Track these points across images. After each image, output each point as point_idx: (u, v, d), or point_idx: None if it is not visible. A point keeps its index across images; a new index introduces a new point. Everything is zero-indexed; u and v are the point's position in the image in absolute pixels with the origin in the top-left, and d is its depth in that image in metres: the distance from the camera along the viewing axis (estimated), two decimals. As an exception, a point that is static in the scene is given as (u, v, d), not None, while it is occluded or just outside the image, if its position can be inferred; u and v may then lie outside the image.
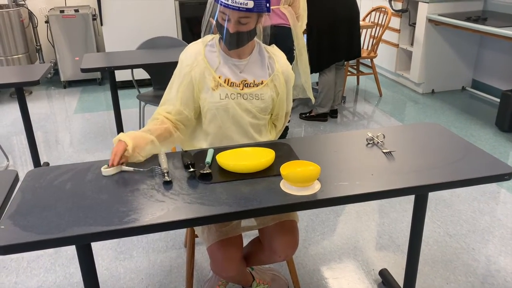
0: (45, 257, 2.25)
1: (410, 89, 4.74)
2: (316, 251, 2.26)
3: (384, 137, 1.65)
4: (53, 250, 2.29)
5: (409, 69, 4.69)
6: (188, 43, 1.78)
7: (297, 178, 1.28)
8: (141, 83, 4.24)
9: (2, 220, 1.18)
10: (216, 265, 1.60)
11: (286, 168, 1.34)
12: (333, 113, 3.99)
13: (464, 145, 1.59)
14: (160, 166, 1.44)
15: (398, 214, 2.57)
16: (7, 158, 3.30)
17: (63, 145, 3.52)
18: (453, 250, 2.26)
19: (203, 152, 1.55)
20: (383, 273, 2.07)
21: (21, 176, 2.62)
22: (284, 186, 1.33)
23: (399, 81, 4.95)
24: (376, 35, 4.47)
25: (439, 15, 4.11)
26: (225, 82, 1.64)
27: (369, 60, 4.63)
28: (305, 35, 3.64)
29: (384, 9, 4.47)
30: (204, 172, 1.39)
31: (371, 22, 4.55)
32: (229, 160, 1.42)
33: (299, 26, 3.11)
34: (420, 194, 1.70)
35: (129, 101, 4.46)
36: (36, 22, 4.94)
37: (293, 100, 3.79)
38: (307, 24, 3.43)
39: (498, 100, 3.81)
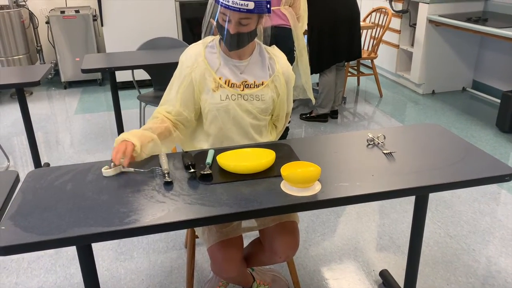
0: (46, 257, 2.25)
1: (410, 89, 4.74)
2: (317, 252, 2.26)
3: (384, 138, 1.65)
4: (54, 250, 2.29)
5: (410, 69, 4.69)
6: (189, 43, 1.78)
7: (298, 179, 1.28)
8: (142, 84, 4.24)
9: (3, 220, 1.18)
10: (216, 266, 1.60)
11: (286, 169, 1.34)
12: (334, 114, 3.99)
13: (465, 146, 1.59)
14: (160, 166, 1.44)
15: (398, 215, 2.56)
16: (8, 158, 3.30)
17: (63, 146, 3.52)
18: (454, 251, 2.25)
19: (203, 153, 1.55)
20: (384, 274, 2.07)
21: (22, 177, 2.62)
22: (285, 187, 1.33)
23: (400, 82, 4.95)
24: (376, 35, 4.47)
25: (440, 15, 4.11)
26: (225, 83, 1.64)
27: (369, 60, 4.63)
28: (306, 35, 3.65)
29: (384, 10, 4.47)
30: (205, 173, 1.39)
31: (372, 23, 4.55)
32: (230, 161, 1.42)
33: (299, 27, 3.11)
34: (421, 195, 1.70)
35: (129, 102, 4.46)
36: (37, 22, 4.95)
37: (294, 100, 3.79)
38: (308, 25, 3.44)
39: (499, 101, 3.81)
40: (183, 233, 2.41)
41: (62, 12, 4.65)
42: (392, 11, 4.45)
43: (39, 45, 5.03)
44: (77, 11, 4.66)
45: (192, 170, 1.39)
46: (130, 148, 1.41)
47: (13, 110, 4.28)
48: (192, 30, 4.87)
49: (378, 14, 4.58)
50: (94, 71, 2.92)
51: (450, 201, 2.70)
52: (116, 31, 4.57)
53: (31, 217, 1.19)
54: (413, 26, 4.61)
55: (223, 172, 1.41)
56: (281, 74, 1.70)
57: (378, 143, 1.61)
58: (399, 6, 4.63)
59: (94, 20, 4.74)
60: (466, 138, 3.53)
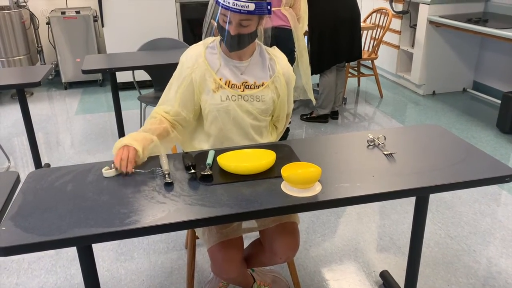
0: (46, 258, 2.25)
1: (411, 90, 4.74)
2: (317, 253, 2.26)
3: (385, 138, 1.65)
4: (54, 251, 2.29)
5: (410, 70, 4.69)
6: (189, 44, 1.78)
7: (298, 180, 1.28)
8: (142, 85, 4.24)
9: (3, 221, 1.18)
10: (216, 267, 1.60)
11: (287, 170, 1.34)
12: (334, 115, 3.98)
13: (465, 147, 1.58)
14: (161, 167, 1.44)
15: (399, 216, 2.56)
16: (8, 159, 3.30)
17: (64, 147, 3.52)
18: (454, 252, 2.25)
19: (204, 154, 1.55)
20: (384, 275, 2.07)
21: (22, 178, 2.62)
22: (285, 187, 1.33)
23: (400, 83, 4.95)
24: (377, 36, 4.47)
25: (440, 16, 4.11)
26: (225, 84, 1.64)
27: (370, 61, 4.63)
28: (306, 36, 3.65)
29: (385, 11, 4.47)
30: (205, 173, 1.39)
31: (372, 24, 4.55)
32: (230, 162, 1.42)
33: (300, 27, 3.12)
34: (421, 196, 1.70)
35: (130, 103, 4.46)
36: (37, 23, 4.95)
37: (294, 101, 3.78)
38: (308, 26, 3.44)
39: (499, 101, 3.81)
40: (183, 234, 2.41)
41: (63, 12, 4.65)
42: (393, 12, 4.45)
43: (39, 45, 5.03)
44: (77, 12, 4.67)
45: (192, 171, 1.39)
46: (133, 153, 1.42)
47: (14, 111, 4.29)
48: (192, 31, 4.87)
49: (378, 15, 4.58)
50: (95, 71, 2.92)
51: (450, 202, 2.69)
52: (116, 32, 4.57)
53: (31, 218, 1.19)
54: (413, 27, 4.62)
55: (224, 173, 1.41)
56: (282, 75, 1.70)
57: (379, 144, 1.61)
58: (399, 7, 4.63)
59: (95, 20, 4.75)
60: (466, 139, 3.53)
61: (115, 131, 3.67)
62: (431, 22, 4.22)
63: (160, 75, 3.42)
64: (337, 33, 3.57)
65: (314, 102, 3.54)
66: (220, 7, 1.50)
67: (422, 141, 1.64)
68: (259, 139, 1.75)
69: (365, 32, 4.78)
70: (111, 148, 3.34)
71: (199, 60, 1.65)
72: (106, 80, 5.08)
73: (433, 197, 2.72)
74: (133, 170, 1.42)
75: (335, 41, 3.59)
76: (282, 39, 2.99)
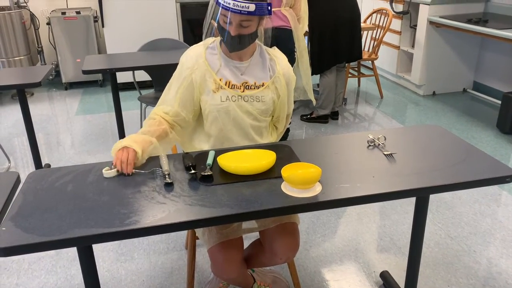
0: (46, 258, 2.25)
1: (411, 91, 4.74)
2: (317, 253, 2.26)
3: (385, 139, 1.65)
4: (54, 251, 2.29)
5: (410, 71, 4.69)
6: (190, 45, 1.78)
7: (298, 180, 1.28)
8: (143, 85, 4.24)
9: (4, 222, 1.18)
10: (216, 267, 1.60)
11: (287, 170, 1.34)
12: (334, 115, 3.98)
13: (465, 147, 1.58)
14: (161, 168, 1.44)
15: (399, 216, 2.56)
16: (9, 159, 3.30)
17: (64, 147, 3.52)
18: (454, 253, 2.25)
19: (204, 154, 1.55)
20: (384, 275, 2.07)
21: (23, 178, 2.62)
22: (285, 188, 1.33)
23: (400, 83, 4.95)
24: (377, 37, 4.47)
25: (440, 17, 4.11)
26: (226, 85, 1.64)
27: (370, 62, 4.63)
28: (306, 37, 3.65)
29: (385, 11, 4.47)
30: (205, 174, 1.39)
31: (372, 24, 4.55)
32: (230, 162, 1.42)
33: (300, 28, 3.12)
34: (421, 196, 1.70)
35: (130, 103, 4.46)
36: (38, 24, 4.95)
37: (294, 102, 3.78)
38: (308, 26, 3.44)
39: (499, 102, 3.81)
40: (183, 234, 2.41)
41: (63, 13, 4.65)
42: (393, 12, 4.45)
43: (40, 46, 5.03)
44: (78, 12, 4.67)
45: (192, 171, 1.39)
46: (132, 155, 1.42)
47: (14, 111, 4.29)
48: (193, 31, 4.87)
49: (378, 15, 4.58)
50: (95, 72, 2.92)
51: (450, 202, 2.69)
52: (117, 32, 4.57)
53: (31, 218, 1.19)
54: (413, 27, 4.62)
55: (224, 173, 1.41)
56: (282, 76, 1.70)
57: (379, 144, 1.61)
58: (399, 7, 4.63)
59: (95, 21, 4.75)
60: (466, 139, 3.52)
61: (115, 132, 3.67)
62: (431, 22, 4.22)
63: (160, 76, 3.42)
64: (337, 33, 3.57)
65: (314, 102, 3.54)
66: (220, 8, 1.51)
67: (422, 142, 1.64)
68: (259, 140, 1.75)
69: (365, 32, 4.78)
70: (111, 148, 3.34)
71: (199, 60, 1.65)
72: (106, 80, 5.08)
73: (433, 197, 2.72)
74: (133, 171, 1.42)
75: (335, 41, 3.59)
76: (282, 39, 2.99)
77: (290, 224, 1.65)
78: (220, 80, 1.64)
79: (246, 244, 1.78)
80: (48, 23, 4.63)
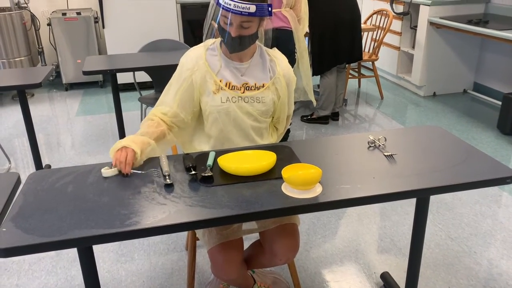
0: (47, 259, 2.25)
1: (411, 92, 4.74)
2: (318, 254, 2.25)
3: (385, 140, 1.65)
4: (55, 252, 2.29)
5: (411, 72, 4.69)
6: (190, 46, 1.78)
7: (299, 181, 1.28)
8: (143, 86, 4.25)
9: (4, 222, 1.18)
10: (216, 268, 1.60)
11: (287, 171, 1.34)
12: (335, 116, 3.99)
13: (466, 148, 1.58)
14: (161, 168, 1.44)
15: (399, 217, 2.56)
16: (9, 160, 3.30)
17: (64, 148, 3.52)
18: (455, 254, 2.25)
19: (204, 155, 1.55)
20: (385, 276, 2.07)
21: (23, 179, 2.62)
22: (286, 189, 1.33)
23: (401, 84, 4.95)
24: (377, 38, 4.47)
25: (441, 18, 4.12)
26: (226, 86, 1.64)
27: (370, 63, 4.63)
28: (307, 38, 3.65)
29: (385, 12, 4.47)
30: (206, 175, 1.39)
31: (373, 25, 4.55)
32: (231, 163, 1.42)
33: (300, 29, 3.12)
34: (422, 197, 1.70)
35: (130, 104, 4.46)
36: (38, 24, 4.96)
37: (295, 102, 3.78)
38: (309, 27, 3.44)
39: (500, 103, 3.81)
40: (184, 235, 2.41)
41: (64, 14, 4.66)
42: (393, 13, 4.46)
43: (40, 47, 5.04)
44: (78, 13, 4.67)
45: (193, 172, 1.39)
46: (131, 155, 1.43)
47: (15, 112, 4.29)
48: (193, 32, 4.88)
49: (379, 16, 4.58)
50: (96, 73, 2.92)
51: (451, 203, 2.69)
52: (117, 33, 4.57)
53: (32, 219, 1.19)
54: (414, 28, 4.62)
55: (224, 174, 1.41)
56: (282, 76, 1.70)
57: (379, 145, 1.61)
58: (400, 8, 4.64)
59: (96, 22, 4.75)
60: (467, 140, 3.52)
61: (115, 132, 3.67)
62: (431, 23, 4.22)
63: (161, 76, 3.42)
64: (337, 34, 3.57)
65: (314, 103, 3.55)
66: (221, 9, 1.51)
67: (422, 143, 1.64)
68: (260, 141, 1.75)
69: (365, 33, 4.78)
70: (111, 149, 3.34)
71: (200, 62, 1.65)
72: (106, 81, 5.08)
73: (433, 198, 2.72)
74: (131, 171, 1.42)
75: (336, 42, 3.59)
76: (282, 40, 2.99)
77: (290, 225, 1.65)
78: (220, 81, 1.64)
79: (246, 245, 1.78)
80: (49, 24, 4.64)
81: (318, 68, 3.70)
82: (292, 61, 3.16)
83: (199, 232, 1.70)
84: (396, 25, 4.74)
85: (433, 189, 1.35)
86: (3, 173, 1.49)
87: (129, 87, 4.75)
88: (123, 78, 4.46)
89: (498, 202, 2.69)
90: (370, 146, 1.62)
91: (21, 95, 2.75)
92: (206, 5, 1.70)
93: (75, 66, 4.79)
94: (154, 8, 4.59)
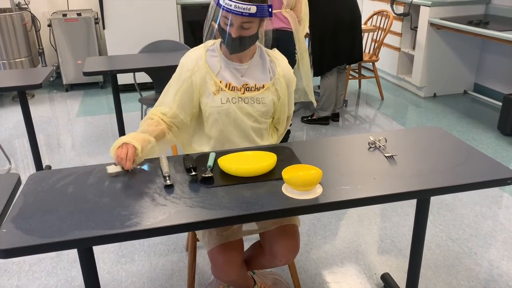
0: (47, 260, 2.25)
1: (412, 92, 4.74)
2: (318, 255, 2.25)
3: (386, 141, 1.65)
4: (55, 253, 2.29)
5: (411, 72, 4.69)
6: (191, 46, 1.78)
7: (299, 182, 1.28)
8: (143, 87, 4.24)
9: (4, 223, 1.18)
10: (216, 269, 1.59)
11: (288, 172, 1.34)
12: (335, 117, 3.98)
13: (466, 149, 1.58)
14: (161, 169, 1.44)
15: (400, 218, 2.56)
16: (9, 161, 3.30)
17: (65, 149, 3.53)
18: (456, 255, 2.25)
19: (204, 156, 1.55)
20: (385, 277, 2.07)
21: (23, 180, 2.62)
22: (286, 190, 1.33)
23: (401, 85, 4.95)
24: (377, 38, 4.47)
25: (441, 19, 4.12)
26: (226, 87, 1.64)
27: (370, 63, 4.63)
28: (307, 39, 3.65)
29: (385, 13, 4.47)
30: (206, 175, 1.39)
31: (373, 26, 4.56)
32: (231, 164, 1.42)
33: (301, 30, 3.12)
34: (422, 198, 1.70)
35: (131, 105, 4.46)
36: (39, 25, 4.96)
37: (295, 103, 3.79)
38: (309, 28, 3.44)
39: (500, 103, 3.80)
40: (184, 236, 2.41)
41: (64, 15, 4.66)
42: (393, 14, 4.46)
43: (41, 48, 5.04)
44: (79, 14, 4.68)
45: (193, 173, 1.39)
46: (132, 150, 1.43)
47: (15, 113, 4.29)
48: (193, 33, 4.88)
49: (379, 17, 4.58)
50: (96, 74, 2.92)
51: (451, 204, 2.69)
52: (118, 34, 4.58)
53: (32, 220, 1.19)
54: (414, 29, 4.62)
55: (224, 175, 1.41)
56: (282, 77, 1.70)
57: (380, 146, 1.61)
58: (400, 9, 4.64)
59: (96, 23, 4.76)
60: (467, 141, 3.52)
61: (116, 133, 3.68)
62: (432, 24, 4.22)
63: (161, 77, 3.42)
64: (337, 35, 3.57)
65: (315, 104, 3.54)
66: (221, 10, 1.51)
67: (423, 143, 1.64)
68: (260, 141, 1.75)
69: (366, 34, 4.78)
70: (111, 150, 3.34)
71: (200, 63, 1.65)
72: (107, 82, 5.08)
73: (434, 199, 2.72)
74: (131, 167, 1.43)
75: (336, 43, 3.59)
76: (283, 41, 2.99)
77: (291, 226, 1.65)
78: (220, 82, 1.64)
79: (246, 246, 1.77)
80: (49, 25, 4.64)
81: (319, 69, 3.70)
82: (292, 62, 3.16)
83: (199, 233, 1.70)
84: (397, 26, 4.74)
85: (433, 190, 1.35)
86: (4, 174, 1.49)
87: (129, 88, 4.76)
88: (123, 79, 4.47)
89: (499, 203, 2.69)
90: (371, 147, 1.62)
91: (21, 96, 2.75)
92: (206, 6, 1.70)
93: (75, 67, 4.80)
94: (154, 9, 4.59)
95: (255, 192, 1.32)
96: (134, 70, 3.00)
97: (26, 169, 3.20)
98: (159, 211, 1.23)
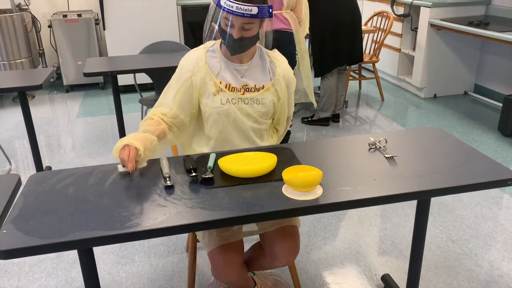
0: (47, 261, 2.25)
1: (412, 93, 4.74)
2: (318, 256, 2.25)
3: (386, 141, 1.65)
4: (55, 254, 2.29)
5: (411, 73, 4.69)
6: (191, 47, 1.78)
7: (299, 183, 1.28)
8: (144, 88, 4.25)
9: (4, 224, 1.18)
10: (216, 270, 1.59)
11: (288, 173, 1.34)
12: (335, 118, 3.98)
13: (467, 150, 1.58)
14: (161, 170, 1.44)
15: (400, 219, 2.56)
16: (10, 162, 3.30)
17: (65, 149, 3.53)
18: (456, 256, 2.25)
19: (205, 157, 1.55)
20: (386, 279, 2.07)
21: (24, 180, 2.62)
22: (286, 191, 1.33)
23: (401, 86, 4.95)
24: (378, 39, 4.47)
25: (441, 19, 4.12)
26: (226, 87, 1.64)
27: (371, 64, 4.63)
28: (307, 39, 3.65)
29: (386, 14, 4.47)
30: (206, 176, 1.39)
31: (373, 27, 4.56)
32: (231, 165, 1.42)
33: (301, 30, 3.12)
34: (423, 199, 1.70)
35: (131, 105, 4.47)
36: (39, 26, 4.96)
37: (295, 104, 3.79)
38: (309, 29, 3.44)
39: (501, 104, 3.80)
40: (184, 237, 2.41)
41: (65, 16, 4.67)
42: (394, 15, 4.46)
43: (41, 48, 5.04)
44: (79, 15, 4.68)
45: (193, 174, 1.39)
46: (134, 152, 1.42)
47: (15, 114, 4.29)
48: (194, 34, 4.88)
49: (379, 18, 4.58)
50: (96, 74, 2.92)
51: (452, 205, 2.69)
52: (118, 35, 4.58)
53: (32, 221, 1.19)
54: (414, 30, 4.62)
55: (225, 176, 1.41)
56: (282, 78, 1.70)
57: (380, 147, 1.61)
58: (400, 10, 4.64)
59: (96, 24, 4.76)
60: (468, 142, 3.52)
61: (116, 134, 3.68)
62: (432, 25, 4.22)
63: (162, 78, 3.42)
64: (338, 36, 3.57)
65: (315, 105, 3.54)
66: (222, 11, 1.50)
67: (423, 144, 1.64)
68: (260, 142, 1.75)
69: (366, 35, 4.78)
70: (112, 151, 3.34)
71: (200, 63, 1.65)
72: (107, 83, 5.08)
73: (434, 200, 2.71)
74: (133, 169, 1.42)
75: (336, 44, 3.59)
76: (283, 42, 3.00)
77: (291, 227, 1.65)
78: (220, 83, 1.64)
79: (246, 247, 1.77)
80: (50, 26, 4.64)
81: (319, 69, 3.70)
82: (292, 62, 3.16)
83: (199, 234, 1.70)
84: (397, 27, 4.74)
85: (434, 191, 1.35)
86: (4, 174, 1.49)
87: (129, 88, 4.76)
88: (123, 79, 4.47)
89: (499, 204, 2.69)
90: (371, 148, 1.61)
91: (21, 96, 2.75)
92: (207, 7, 1.70)
93: (75, 67, 4.80)
94: (154, 10, 4.59)
95: (256, 193, 1.32)
96: (134, 71, 3.00)
97: (26, 170, 3.20)
98: (159, 212, 1.23)
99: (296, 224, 1.68)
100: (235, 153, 1.53)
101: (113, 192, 1.33)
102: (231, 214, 1.22)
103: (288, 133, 3.54)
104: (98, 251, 2.30)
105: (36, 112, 4.34)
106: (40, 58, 5.05)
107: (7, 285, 2.10)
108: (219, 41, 1.67)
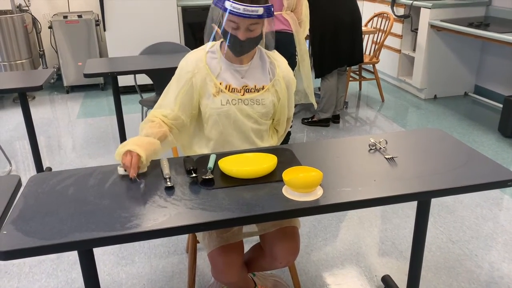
0: (47, 262, 2.25)
1: (412, 94, 4.74)
2: (319, 257, 2.25)
3: (386, 142, 1.65)
4: (55, 255, 2.29)
5: (411, 74, 4.70)
6: (191, 48, 1.78)
7: (300, 184, 1.28)
8: (144, 88, 4.25)
9: (5, 225, 1.18)
10: (216, 271, 1.59)
11: (288, 174, 1.34)
12: (335, 119, 3.99)
13: (467, 151, 1.58)
14: (162, 171, 1.44)
15: (400, 220, 2.56)
16: (10, 163, 3.30)
17: (65, 150, 3.53)
18: (456, 257, 2.25)
19: (205, 158, 1.55)
20: (386, 280, 2.06)
21: (24, 181, 2.62)
22: (287, 192, 1.33)
23: (402, 87, 4.95)
24: (378, 40, 4.47)
25: (441, 20, 4.12)
26: (226, 88, 1.64)
27: (371, 65, 4.64)
28: (308, 40, 3.65)
29: (386, 15, 4.47)
30: (206, 177, 1.39)
31: (373, 28, 4.56)
32: (231, 166, 1.42)
33: (301, 31, 3.12)
34: (423, 200, 1.70)
35: (131, 106, 4.47)
36: (40, 27, 4.97)
37: (295, 105, 3.79)
38: (310, 30, 3.44)
39: (501, 105, 3.80)
40: (184, 238, 2.41)
41: (65, 17, 4.67)
42: (394, 16, 4.46)
43: (41, 49, 5.05)
44: (79, 16, 4.68)
45: (193, 175, 1.39)
46: (136, 159, 1.41)
47: (16, 115, 4.30)
48: (194, 35, 4.88)
49: (379, 19, 4.58)
50: (97, 75, 2.93)
51: (452, 206, 2.69)
52: (118, 36, 4.58)
53: (32, 222, 1.19)
54: (414, 31, 4.62)
55: (225, 177, 1.41)
56: (282, 78, 1.70)
57: (380, 148, 1.61)
58: (400, 11, 4.64)
59: (97, 24, 4.76)
60: (468, 143, 3.52)
61: (116, 135, 3.68)
62: (432, 26, 4.22)
63: (162, 79, 3.41)
64: (338, 37, 3.57)
65: (315, 106, 3.54)
66: (227, 14, 1.49)
67: (423, 145, 1.64)
68: (260, 143, 1.75)
69: (366, 36, 4.79)
70: (112, 152, 3.34)
71: (200, 64, 1.65)
72: (107, 84, 5.09)
73: (434, 201, 2.71)
74: (135, 176, 1.41)
75: (336, 45, 3.59)
76: (283, 43, 2.99)
77: (291, 228, 1.65)
78: (220, 83, 1.64)
79: (246, 248, 1.77)
80: (50, 27, 4.65)
81: (319, 70, 3.70)
82: (292, 63, 3.16)
83: (199, 235, 1.70)
84: (397, 28, 4.74)
85: (434, 192, 1.35)
86: (4, 175, 1.49)
87: (130, 89, 4.76)
88: (124, 80, 4.47)
89: (499, 205, 2.69)
90: (371, 149, 1.61)
91: (22, 97, 2.75)
92: (207, 8, 1.70)
93: (76, 68, 4.80)
94: (155, 11, 4.60)
95: (256, 194, 1.32)
96: (134, 72, 3.00)
97: (26, 171, 3.21)
98: (159, 213, 1.23)
99: (296, 225, 1.68)
100: (235, 154, 1.53)
101: (113, 193, 1.34)
102: (231, 215, 1.22)
103: (288, 134, 3.54)
104: (98, 252, 2.30)
105: (37, 113, 4.34)
106: (40, 59, 5.06)
107: (7, 286, 2.10)
108: (219, 42, 1.67)
